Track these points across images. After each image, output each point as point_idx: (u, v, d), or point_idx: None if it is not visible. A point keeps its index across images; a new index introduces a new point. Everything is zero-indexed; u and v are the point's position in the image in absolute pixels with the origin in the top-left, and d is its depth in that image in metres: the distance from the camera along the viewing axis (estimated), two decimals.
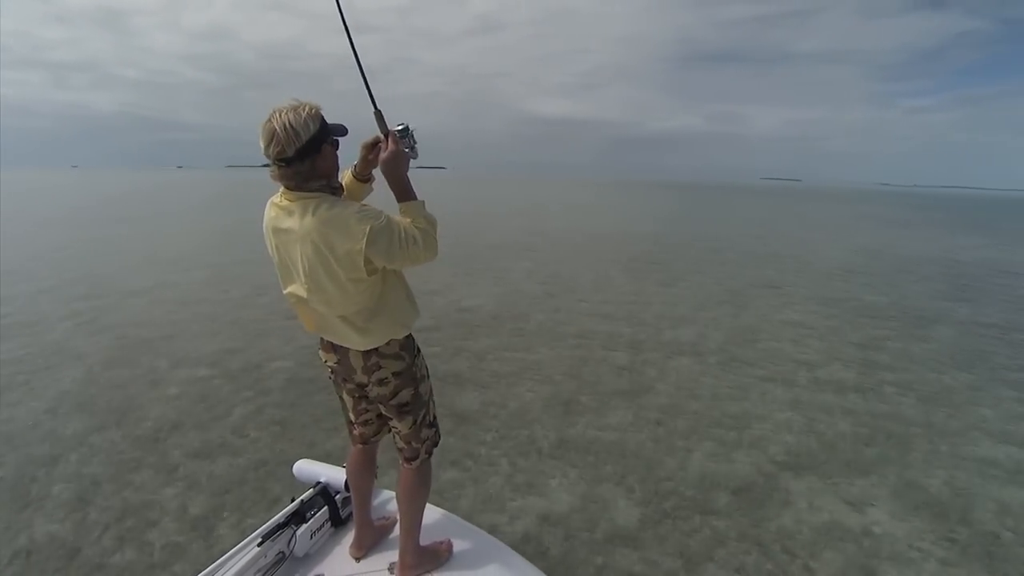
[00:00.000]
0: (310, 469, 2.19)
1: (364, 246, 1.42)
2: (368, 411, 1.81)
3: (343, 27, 1.48)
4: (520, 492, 3.24)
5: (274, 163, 1.42)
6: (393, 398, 1.68)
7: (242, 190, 41.70)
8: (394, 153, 1.54)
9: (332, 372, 1.75)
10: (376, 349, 1.62)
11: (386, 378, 1.65)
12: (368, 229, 1.42)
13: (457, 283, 8.62)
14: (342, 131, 1.52)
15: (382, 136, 1.58)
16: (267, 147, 1.39)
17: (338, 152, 1.54)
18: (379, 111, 1.57)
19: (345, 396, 1.81)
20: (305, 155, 1.41)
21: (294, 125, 1.37)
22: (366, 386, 1.68)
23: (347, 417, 1.87)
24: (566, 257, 11.63)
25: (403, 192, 1.57)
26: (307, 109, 1.41)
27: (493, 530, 2.67)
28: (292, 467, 2.27)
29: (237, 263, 10.28)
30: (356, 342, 1.60)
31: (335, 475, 2.10)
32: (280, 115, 1.38)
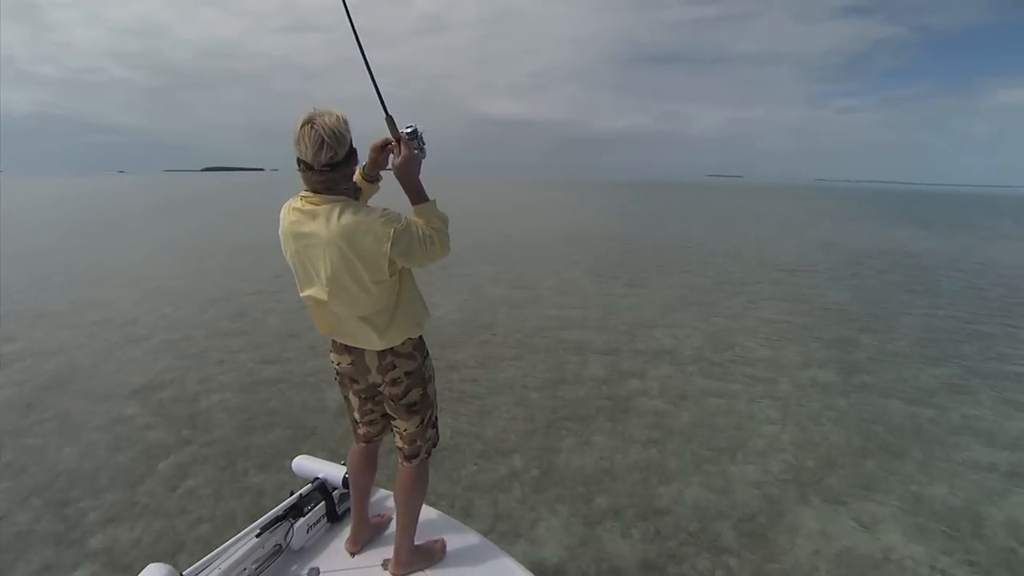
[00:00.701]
0: (309, 465, 2.21)
1: (389, 248, 1.47)
2: (374, 411, 1.84)
3: (354, 37, 1.48)
4: (506, 540, 2.83)
5: (320, 168, 1.45)
6: (404, 397, 1.71)
7: (184, 196, 39.28)
8: (407, 158, 1.56)
9: (340, 374, 1.80)
10: (392, 348, 1.65)
11: (399, 378, 1.68)
12: (392, 232, 1.47)
13: (435, 284, 8.11)
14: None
15: (393, 140, 1.59)
16: (316, 153, 1.42)
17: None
18: (390, 116, 1.57)
19: (352, 396, 1.83)
20: (350, 158, 1.50)
21: (338, 131, 1.43)
22: (379, 386, 1.72)
23: (352, 416, 1.88)
24: (528, 260, 11.29)
25: (417, 195, 1.61)
26: (342, 115, 1.46)
27: None
28: (291, 462, 2.29)
29: (176, 277, 9.40)
30: (375, 342, 1.62)
31: (333, 472, 2.12)
32: (323, 120, 1.41)
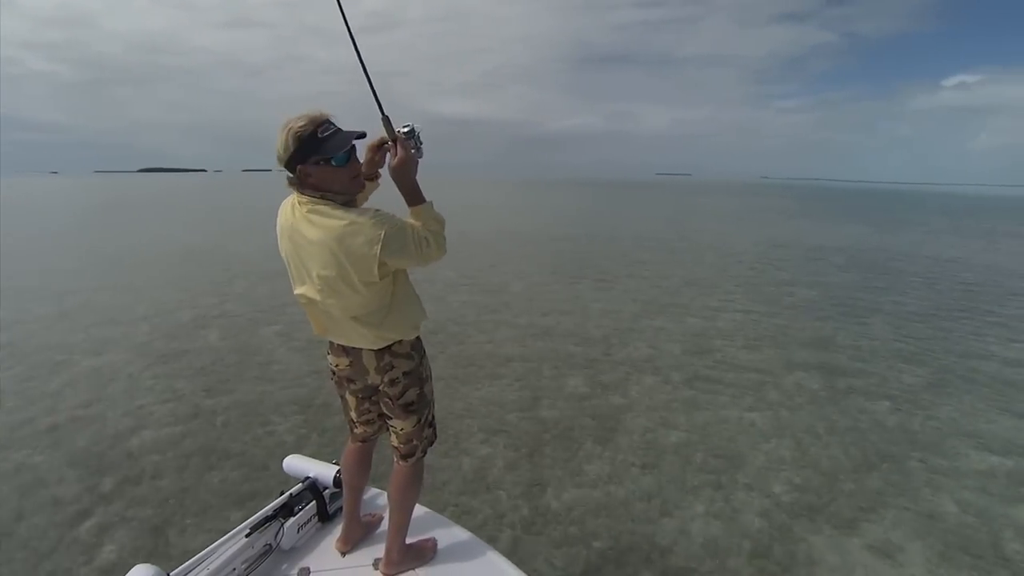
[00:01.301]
0: (300, 465, 2.18)
1: (379, 251, 1.45)
2: (371, 411, 1.83)
3: (349, 36, 1.46)
4: None
5: (284, 168, 1.49)
6: (401, 397, 1.70)
7: (117, 198, 36.52)
8: (403, 160, 1.54)
9: (336, 375, 1.78)
10: (389, 348, 1.65)
11: (397, 378, 1.67)
12: (383, 234, 1.44)
13: None
14: (348, 142, 1.51)
15: (390, 141, 1.56)
16: (278, 155, 1.47)
17: (351, 162, 1.55)
18: (386, 117, 1.53)
19: (348, 396, 1.82)
20: (292, 170, 1.48)
21: (281, 143, 1.45)
22: (378, 386, 1.71)
23: (348, 416, 1.87)
24: (490, 262, 10.88)
25: (413, 196, 1.59)
26: (289, 129, 1.44)
27: None
28: (282, 462, 2.25)
29: (104, 290, 8.45)
30: (371, 341, 1.62)
31: (324, 471, 2.09)
32: (289, 123, 1.44)
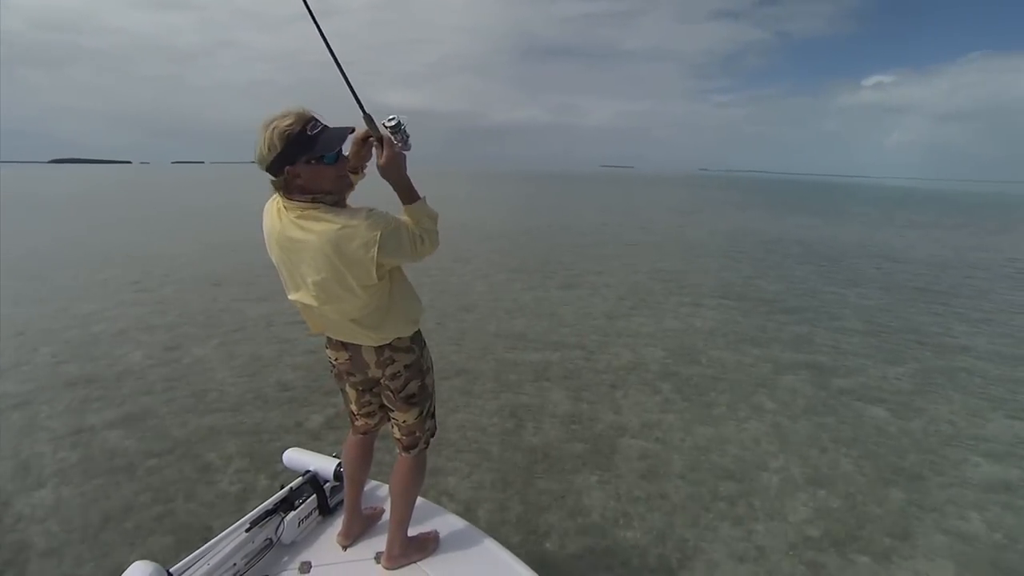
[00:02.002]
0: (300, 458, 2.15)
1: (376, 254, 1.41)
2: (371, 403, 1.80)
3: (317, 30, 1.39)
4: None
5: (266, 170, 1.41)
6: (403, 390, 1.68)
7: (21, 192, 32.84)
8: (391, 158, 1.47)
9: (335, 368, 1.75)
10: (389, 343, 1.62)
11: (398, 372, 1.66)
12: (379, 236, 1.41)
13: None
14: (340, 139, 1.44)
15: (375, 143, 1.49)
16: (258, 158, 1.39)
17: (340, 159, 1.48)
18: (368, 115, 1.46)
19: (348, 389, 1.79)
20: (278, 172, 1.40)
21: (264, 143, 1.36)
22: (379, 379, 1.68)
23: (349, 408, 1.84)
24: (446, 261, 10.23)
25: (406, 194, 1.54)
26: (273, 128, 1.36)
27: None
28: (282, 455, 2.23)
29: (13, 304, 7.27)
30: (371, 339, 1.60)
31: (325, 464, 2.07)
32: (271, 123, 1.36)
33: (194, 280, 8.37)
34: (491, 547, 1.82)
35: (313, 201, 1.42)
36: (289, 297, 1.58)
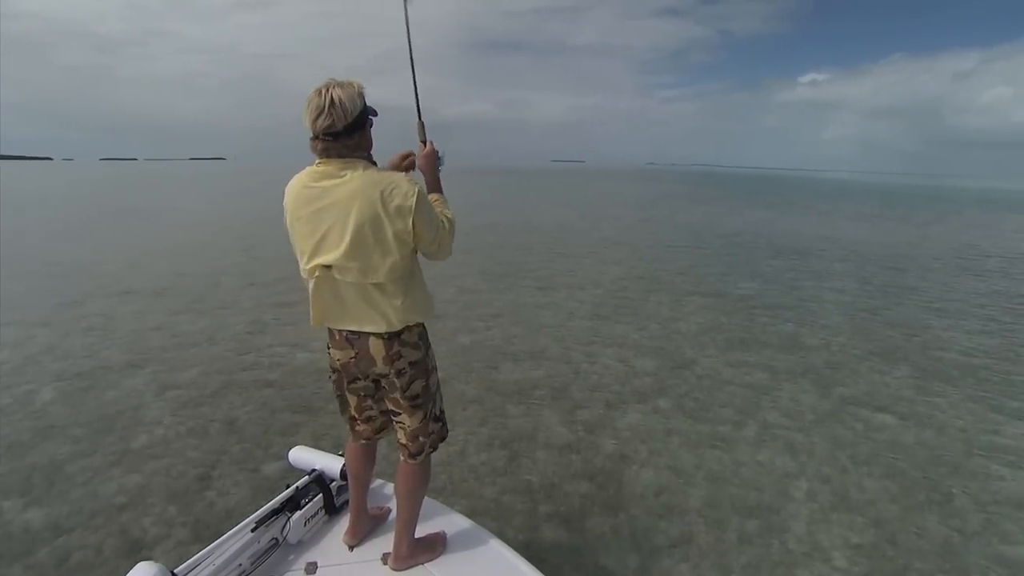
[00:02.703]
0: (306, 457, 2.11)
1: (415, 203, 1.47)
2: (372, 408, 1.77)
3: (406, 35, 1.69)
4: None
5: (320, 136, 1.43)
6: (407, 389, 1.64)
7: None
8: (430, 153, 1.76)
9: (338, 371, 1.71)
10: (399, 336, 1.59)
11: (403, 368, 1.62)
12: (417, 190, 1.49)
13: (282, 319, 6.14)
14: (375, 112, 1.54)
15: (421, 143, 1.77)
16: (315, 120, 1.41)
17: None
18: (422, 122, 1.76)
19: (349, 395, 1.75)
20: (353, 130, 1.45)
21: (344, 100, 1.41)
22: (385, 376, 1.63)
23: (348, 415, 1.81)
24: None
25: (435, 186, 1.73)
26: (355, 86, 1.45)
27: None
28: (287, 453, 2.18)
29: None
30: (386, 320, 1.55)
31: (331, 463, 2.04)
32: (329, 90, 1.41)
33: (123, 290, 7.41)
34: (498, 548, 1.79)
35: (345, 159, 1.48)
36: (308, 265, 1.53)
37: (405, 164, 1.75)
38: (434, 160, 1.74)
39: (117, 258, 9.98)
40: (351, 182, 1.44)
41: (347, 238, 1.44)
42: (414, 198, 1.46)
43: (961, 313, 6.91)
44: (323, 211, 1.46)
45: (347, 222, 1.44)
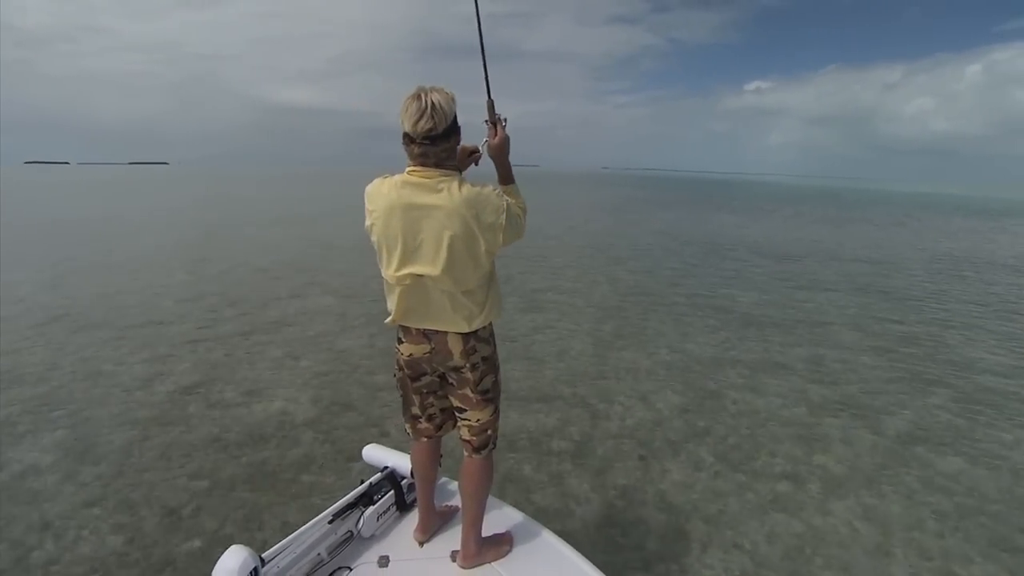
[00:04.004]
0: (378, 454, 2.18)
1: (504, 220, 1.54)
2: (434, 405, 1.80)
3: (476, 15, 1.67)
4: None
5: (419, 140, 1.45)
6: (480, 383, 1.68)
7: None
8: (503, 139, 1.67)
9: (404, 368, 1.72)
10: (475, 332, 1.63)
11: (477, 363, 1.66)
12: (505, 204, 1.56)
13: (234, 357, 5.18)
14: None
15: (489, 125, 1.68)
16: (416, 123, 1.43)
17: None
18: (491, 100, 1.67)
19: (412, 394, 1.78)
20: (450, 134, 1.49)
21: (443, 104, 1.44)
22: (459, 370, 1.66)
23: (411, 413, 1.82)
24: (377, 284, 8.73)
25: (507, 174, 1.73)
26: (450, 93, 1.48)
27: None
28: (361, 451, 2.24)
29: None
30: (470, 322, 1.60)
31: (402, 462, 2.09)
32: (428, 94, 1.43)
33: (45, 318, 6.22)
34: (565, 552, 1.78)
35: (452, 169, 1.53)
36: (397, 273, 1.55)
37: (471, 159, 1.73)
38: (506, 148, 1.68)
39: (35, 279, 8.60)
40: (448, 200, 1.47)
41: (443, 255, 1.49)
42: (504, 215, 1.53)
43: (970, 327, 6.65)
44: (418, 223, 1.49)
45: (443, 238, 1.48)
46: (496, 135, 1.66)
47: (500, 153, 1.67)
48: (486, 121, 1.67)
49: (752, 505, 3.09)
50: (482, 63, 1.61)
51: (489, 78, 1.62)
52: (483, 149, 1.71)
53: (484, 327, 1.65)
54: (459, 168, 1.60)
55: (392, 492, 1.99)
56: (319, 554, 1.72)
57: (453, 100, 1.47)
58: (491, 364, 1.70)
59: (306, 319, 6.45)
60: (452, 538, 1.88)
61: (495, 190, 1.56)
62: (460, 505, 1.87)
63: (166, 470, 3.32)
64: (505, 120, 1.68)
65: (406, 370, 1.72)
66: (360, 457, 2.26)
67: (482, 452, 1.75)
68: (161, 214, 20.52)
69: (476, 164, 1.74)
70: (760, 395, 4.52)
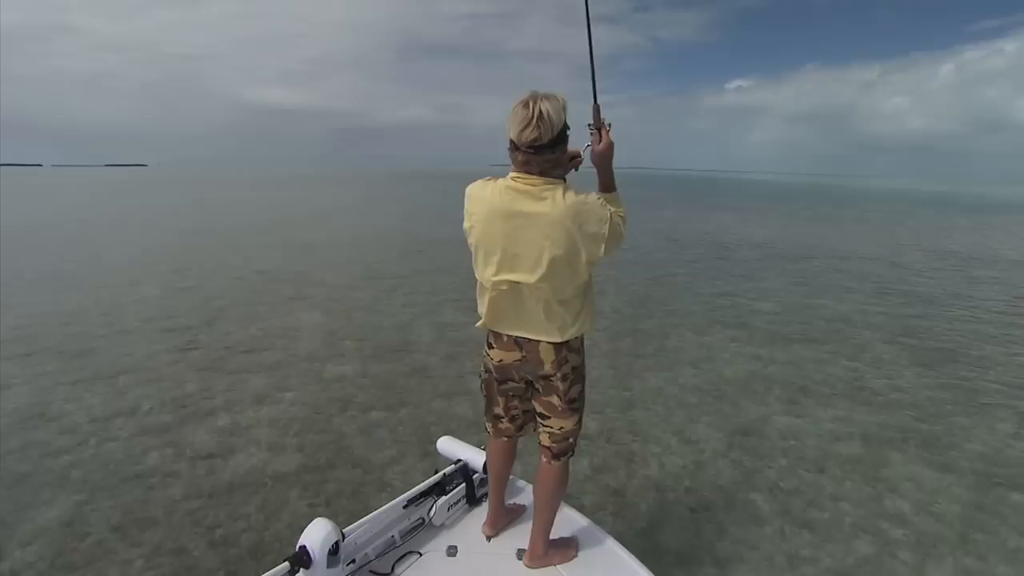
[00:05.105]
0: (452, 447, 2.21)
1: (607, 230, 1.50)
2: (517, 408, 1.81)
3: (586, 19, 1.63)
4: None
5: (523, 149, 1.44)
6: (568, 392, 1.68)
7: None
8: (608, 145, 1.61)
9: (490, 372, 1.74)
10: (567, 343, 1.61)
11: (568, 372, 1.65)
12: (609, 215, 1.51)
13: (212, 389, 4.55)
14: (568, 127, 1.56)
15: (594, 130, 1.63)
16: (521, 131, 1.42)
17: None
18: (598, 105, 1.62)
19: (497, 395, 1.80)
20: (556, 144, 1.46)
21: (552, 114, 1.41)
22: (549, 379, 1.65)
23: (494, 413, 1.84)
24: (371, 296, 8.11)
25: (610, 182, 1.64)
26: (560, 99, 1.45)
27: None
28: (436, 442, 2.26)
29: None
30: (563, 332, 1.58)
31: (474, 456, 2.11)
32: (536, 102, 1.41)
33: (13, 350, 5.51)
34: (631, 565, 1.74)
35: (559, 177, 1.50)
36: (494, 278, 1.54)
37: (571, 165, 1.62)
38: (610, 154, 1.61)
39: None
40: (552, 208, 1.45)
41: (544, 264, 1.48)
42: (607, 225, 1.49)
43: (1002, 339, 6.24)
44: (520, 230, 1.48)
45: (545, 247, 1.46)
46: (601, 141, 1.59)
47: (604, 160, 1.61)
48: (589, 125, 1.61)
49: (834, 573, 2.58)
50: (590, 68, 1.60)
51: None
52: (585, 155, 1.63)
53: (576, 338, 1.63)
54: (563, 176, 1.54)
55: (463, 485, 2.02)
56: (392, 536, 1.79)
57: (564, 109, 1.44)
58: (580, 374, 1.70)
59: (290, 341, 5.82)
60: (518, 535, 1.90)
61: (599, 199, 1.52)
62: (528, 504, 1.97)
63: (113, 554, 2.69)
64: (610, 125, 1.61)
65: (494, 373, 1.73)
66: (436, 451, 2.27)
67: (561, 459, 1.75)
68: (135, 219, 19.59)
69: (576, 170, 1.65)
70: (805, 425, 4.03)
